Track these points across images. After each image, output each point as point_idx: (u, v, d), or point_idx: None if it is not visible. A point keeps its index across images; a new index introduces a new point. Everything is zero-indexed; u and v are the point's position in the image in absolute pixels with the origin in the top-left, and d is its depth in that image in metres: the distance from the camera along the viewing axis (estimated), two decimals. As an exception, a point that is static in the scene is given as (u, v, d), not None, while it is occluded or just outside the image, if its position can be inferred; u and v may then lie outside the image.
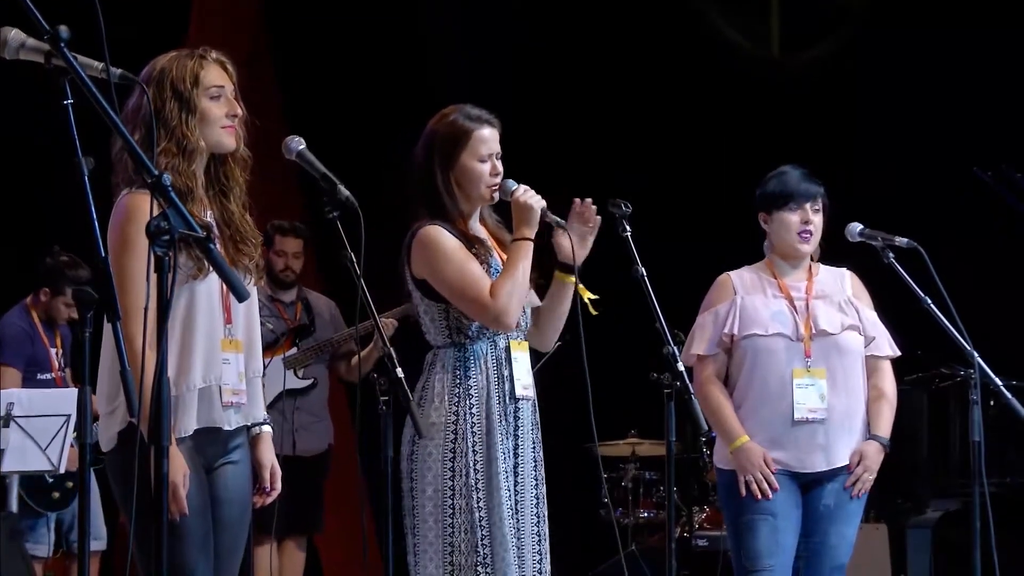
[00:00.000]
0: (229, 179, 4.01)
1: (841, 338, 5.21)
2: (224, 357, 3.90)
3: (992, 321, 6.31)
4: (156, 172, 3.03)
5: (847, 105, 9.07)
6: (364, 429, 4.30)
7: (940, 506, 7.21)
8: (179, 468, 3.74)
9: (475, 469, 4.39)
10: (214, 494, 3.92)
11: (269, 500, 4.10)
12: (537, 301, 4.63)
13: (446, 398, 4.42)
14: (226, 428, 3.94)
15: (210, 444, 3.92)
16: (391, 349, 4.04)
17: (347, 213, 3.98)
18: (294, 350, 7.42)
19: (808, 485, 5.19)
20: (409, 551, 4.45)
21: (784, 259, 5.30)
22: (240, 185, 4.02)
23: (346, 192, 3.99)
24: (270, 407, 6.84)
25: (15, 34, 3.16)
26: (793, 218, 5.23)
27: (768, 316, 5.20)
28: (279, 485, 4.10)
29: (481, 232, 4.55)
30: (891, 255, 5.28)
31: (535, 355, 4.61)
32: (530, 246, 4.42)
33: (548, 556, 4.54)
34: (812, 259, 5.34)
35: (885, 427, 5.25)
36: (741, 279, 5.29)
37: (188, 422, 3.85)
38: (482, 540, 4.37)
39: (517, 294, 4.38)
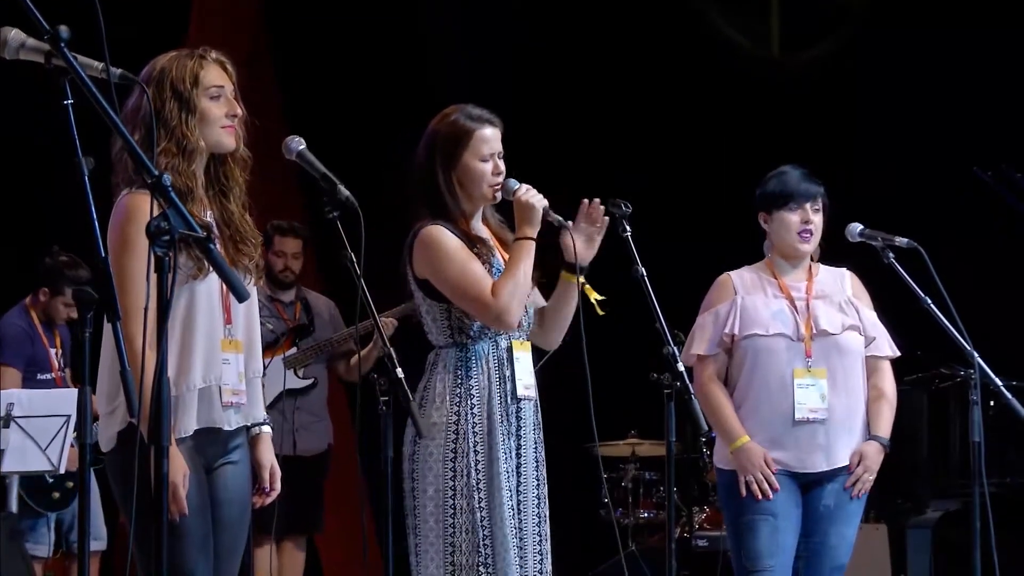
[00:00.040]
0: (229, 179, 4.01)
1: (842, 338, 5.21)
2: (224, 357, 3.90)
3: (992, 321, 6.31)
4: (156, 172, 3.03)
5: (847, 105, 9.07)
6: (364, 429, 4.30)
7: (940, 506, 7.21)
8: (179, 468, 3.74)
9: (476, 469, 4.39)
10: (214, 494, 3.92)
11: (268, 500, 4.11)
12: (542, 301, 4.64)
13: (447, 398, 4.42)
14: (226, 428, 3.94)
15: (210, 444, 3.92)
16: (391, 349, 4.04)
17: (347, 213, 3.98)
18: (294, 350, 7.42)
19: (808, 485, 5.19)
20: (411, 551, 4.45)
21: (784, 259, 5.29)
22: (240, 185, 4.02)
23: (346, 192, 3.99)
24: (270, 407, 6.84)
25: (15, 34, 3.16)
26: (793, 218, 5.23)
27: (768, 316, 5.20)
28: (278, 485, 4.10)
29: (483, 232, 4.55)
30: (891, 255, 5.29)
31: (536, 354, 4.61)
32: (532, 245, 4.42)
33: (549, 556, 4.54)
34: (812, 259, 5.34)
35: (885, 427, 5.25)
36: (741, 279, 5.29)
37: (188, 422, 3.85)
38: (483, 540, 4.37)
39: (519, 293, 4.39)
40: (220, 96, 3.94)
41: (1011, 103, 8.36)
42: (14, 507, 6.91)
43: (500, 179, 4.48)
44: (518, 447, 4.47)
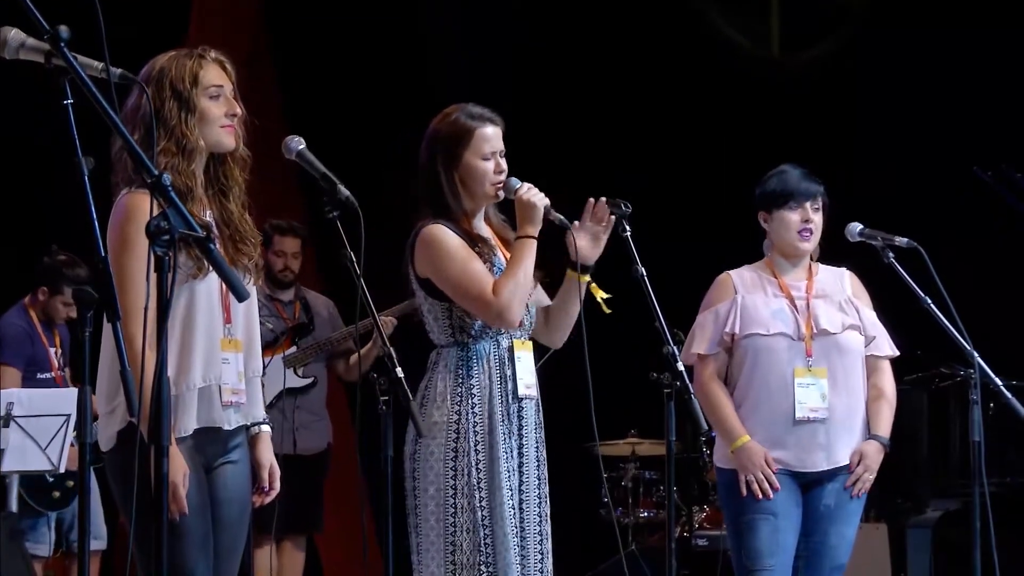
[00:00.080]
0: (228, 179, 4.01)
1: (842, 337, 5.21)
2: (224, 357, 3.91)
3: (992, 321, 6.31)
4: (156, 172, 3.03)
5: (847, 105, 9.07)
6: (364, 429, 4.30)
7: (940, 506, 7.21)
8: (179, 467, 3.74)
9: (477, 468, 4.39)
10: (213, 494, 3.92)
11: (268, 500, 4.11)
12: (546, 300, 4.64)
13: (448, 397, 4.43)
14: (226, 428, 3.95)
15: (210, 444, 3.92)
16: (391, 348, 4.03)
17: (347, 213, 3.98)
18: (294, 349, 7.43)
19: (808, 485, 5.19)
20: (412, 550, 4.46)
21: (784, 258, 5.30)
22: (239, 185, 4.02)
23: (346, 192, 3.99)
24: (270, 406, 6.85)
25: (15, 34, 3.16)
26: (793, 217, 5.23)
27: (769, 315, 5.20)
28: (278, 485, 4.10)
29: (485, 231, 4.56)
30: (891, 255, 5.29)
31: (537, 353, 4.61)
32: (533, 244, 4.42)
33: (550, 556, 4.54)
34: (812, 258, 5.34)
35: (885, 427, 5.25)
36: (741, 278, 5.30)
37: (188, 422, 3.85)
38: (484, 539, 4.37)
39: (520, 292, 4.39)
40: (219, 95, 3.94)
41: (1011, 103, 8.35)
42: (14, 506, 6.91)
43: (502, 177, 4.49)
44: (520, 446, 4.47)
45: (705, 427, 4.62)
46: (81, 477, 3.18)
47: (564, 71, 9.25)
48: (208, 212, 3.95)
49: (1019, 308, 8.05)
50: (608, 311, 4.55)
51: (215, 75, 3.94)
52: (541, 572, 4.49)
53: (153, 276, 2.99)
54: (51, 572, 7.50)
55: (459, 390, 4.43)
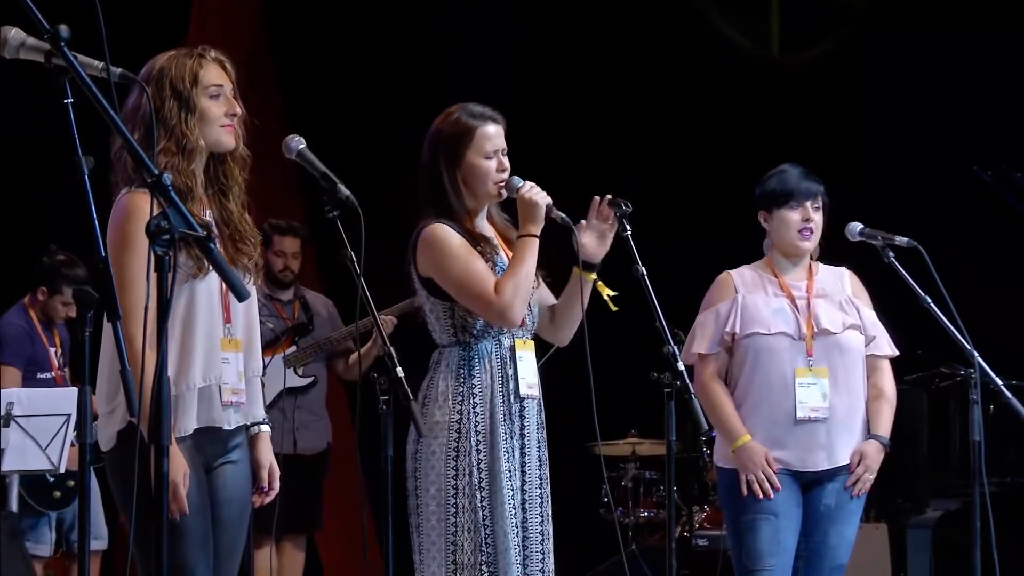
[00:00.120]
0: (228, 178, 4.01)
1: (843, 337, 5.21)
2: (224, 356, 3.91)
3: (992, 321, 6.31)
4: (156, 171, 3.03)
5: (847, 105, 9.06)
6: (364, 428, 4.30)
7: (940, 506, 7.20)
8: (179, 467, 3.74)
9: (478, 468, 4.39)
10: (213, 494, 3.92)
11: (268, 500, 4.11)
12: (551, 299, 4.65)
13: (450, 397, 4.43)
14: (226, 427, 3.95)
15: (210, 443, 3.92)
16: (391, 348, 4.03)
17: (347, 212, 3.98)
18: (294, 348, 7.43)
19: (808, 484, 5.19)
20: (414, 550, 4.46)
21: (785, 257, 5.30)
22: (239, 184, 4.02)
23: (346, 191, 3.99)
24: (271, 406, 6.85)
25: (15, 33, 3.16)
26: (794, 216, 5.23)
27: (769, 314, 5.20)
28: (277, 485, 4.10)
29: (488, 230, 4.56)
30: (891, 255, 5.29)
31: (539, 351, 4.62)
32: (535, 243, 4.43)
33: (551, 555, 4.54)
34: (811, 258, 5.34)
35: (885, 427, 5.25)
36: (742, 277, 5.30)
37: (188, 421, 3.85)
38: (485, 539, 4.38)
39: (522, 290, 4.39)
40: (219, 95, 3.94)
41: (1011, 103, 8.35)
42: (15, 506, 6.91)
43: (505, 176, 4.49)
44: (522, 446, 4.48)
45: (705, 427, 4.61)
46: (81, 477, 3.18)
47: (564, 71, 9.25)
48: (208, 212, 3.95)
49: (1019, 308, 8.05)
50: (615, 309, 4.56)
51: (215, 75, 3.94)
52: (543, 572, 4.49)
53: (153, 276, 2.99)
54: (51, 572, 7.50)
55: (461, 390, 4.43)
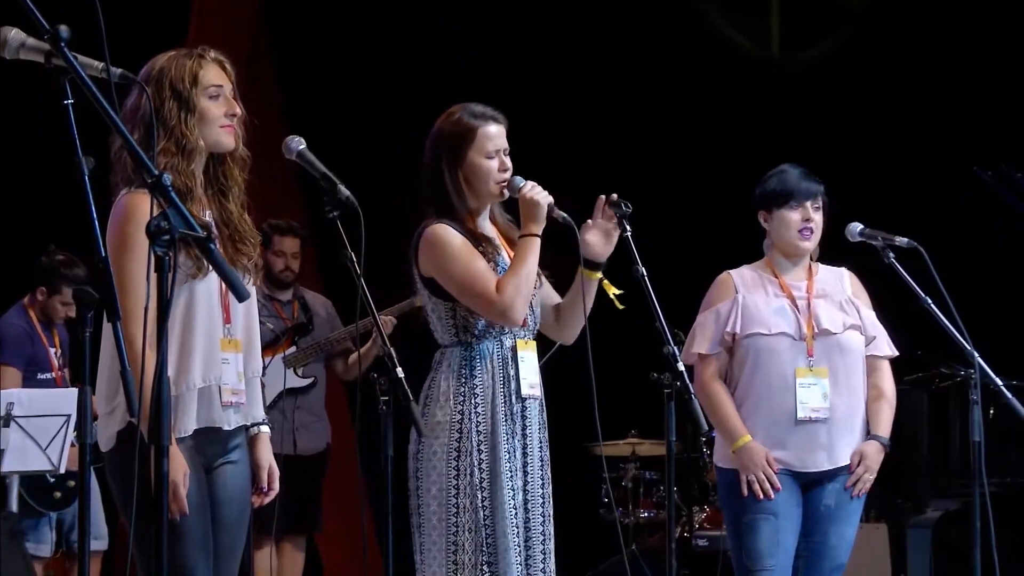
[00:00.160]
0: (228, 179, 4.01)
1: (843, 337, 5.21)
2: (223, 357, 3.90)
3: (992, 321, 6.31)
4: (156, 171, 3.03)
5: (847, 105, 9.06)
6: (364, 429, 4.30)
7: (940, 506, 7.21)
8: (179, 467, 3.74)
9: (480, 468, 4.40)
10: (213, 494, 3.92)
11: (267, 500, 4.11)
12: (555, 298, 4.65)
13: (451, 397, 4.43)
14: (225, 428, 3.95)
15: (209, 444, 3.92)
16: (391, 348, 4.03)
17: (347, 213, 3.98)
18: (293, 348, 7.43)
19: (809, 485, 5.19)
20: (415, 549, 4.47)
21: (785, 257, 5.30)
22: (239, 185, 4.02)
23: (346, 192, 3.98)
24: (271, 406, 6.85)
25: (15, 34, 3.16)
26: (794, 216, 5.23)
27: (770, 314, 5.20)
28: (277, 485, 4.10)
29: (490, 230, 4.57)
30: (891, 255, 5.29)
31: (541, 349, 4.62)
32: (537, 242, 4.43)
33: (552, 556, 4.54)
34: (811, 258, 5.34)
35: (885, 427, 5.25)
36: (742, 277, 5.30)
37: (188, 422, 3.85)
38: (486, 539, 4.38)
39: (524, 289, 4.40)
40: (219, 95, 3.94)
41: (1011, 103, 8.35)
42: (15, 507, 6.91)
43: (507, 175, 4.49)
44: (524, 446, 4.48)
45: (705, 427, 4.62)
46: (81, 477, 3.18)
47: (564, 71, 9.25)
48: (208, 212, 3.95)
49: (1019, 308, 8.05)
50: (621, 307, 4.56)
51: (215, 75, 3.94)
52: (544, 572, 4.50)
53: (153, 276, 2.99)
54: (51, 572, 7.50)
55: (462, 390, 4.44)
